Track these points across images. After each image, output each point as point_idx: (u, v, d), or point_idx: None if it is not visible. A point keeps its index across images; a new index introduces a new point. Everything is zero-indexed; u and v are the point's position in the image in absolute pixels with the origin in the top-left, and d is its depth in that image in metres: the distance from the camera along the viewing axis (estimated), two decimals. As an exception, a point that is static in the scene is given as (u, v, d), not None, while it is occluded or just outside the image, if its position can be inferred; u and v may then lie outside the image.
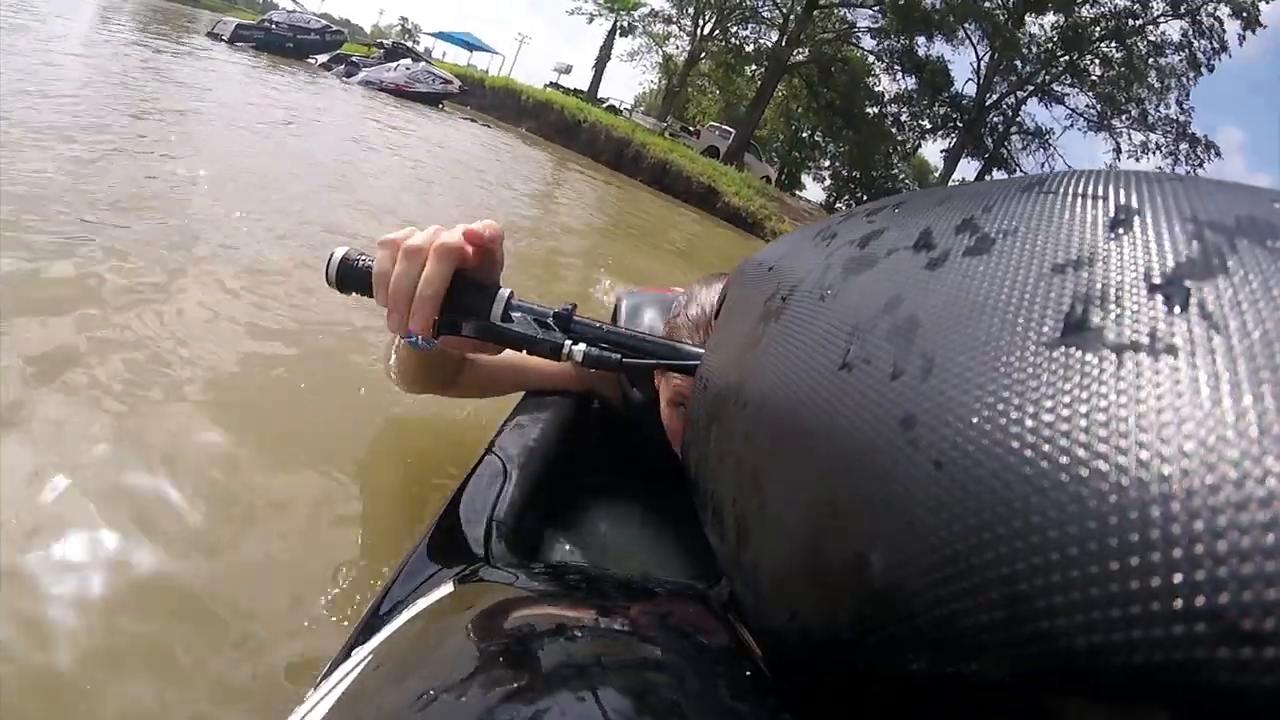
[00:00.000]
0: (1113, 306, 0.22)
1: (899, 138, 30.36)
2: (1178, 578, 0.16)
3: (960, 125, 26.44)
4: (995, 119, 26.68)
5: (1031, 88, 25.42)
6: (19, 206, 2.08)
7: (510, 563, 0.62)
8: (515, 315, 0.66)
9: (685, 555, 0.85)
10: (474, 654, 0.34)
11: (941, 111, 27.63)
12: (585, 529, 0.87)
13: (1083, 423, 0.20)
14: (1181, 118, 24.29)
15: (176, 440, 1.31)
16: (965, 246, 0.29)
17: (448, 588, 0.52)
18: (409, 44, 24.84)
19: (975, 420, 0.23)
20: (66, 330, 1.56)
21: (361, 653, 0.45)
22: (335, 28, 18.67)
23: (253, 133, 4.50)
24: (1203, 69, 23.15)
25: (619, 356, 0.66)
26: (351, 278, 0.66)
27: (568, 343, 0.65)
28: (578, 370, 0.85)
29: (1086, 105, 25.20)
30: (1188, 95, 23.88)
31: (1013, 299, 0.25)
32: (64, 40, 6.48)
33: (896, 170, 35.38)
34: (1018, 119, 26.74)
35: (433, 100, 16.43)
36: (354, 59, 16.79)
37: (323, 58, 16.91)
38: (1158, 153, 24.71)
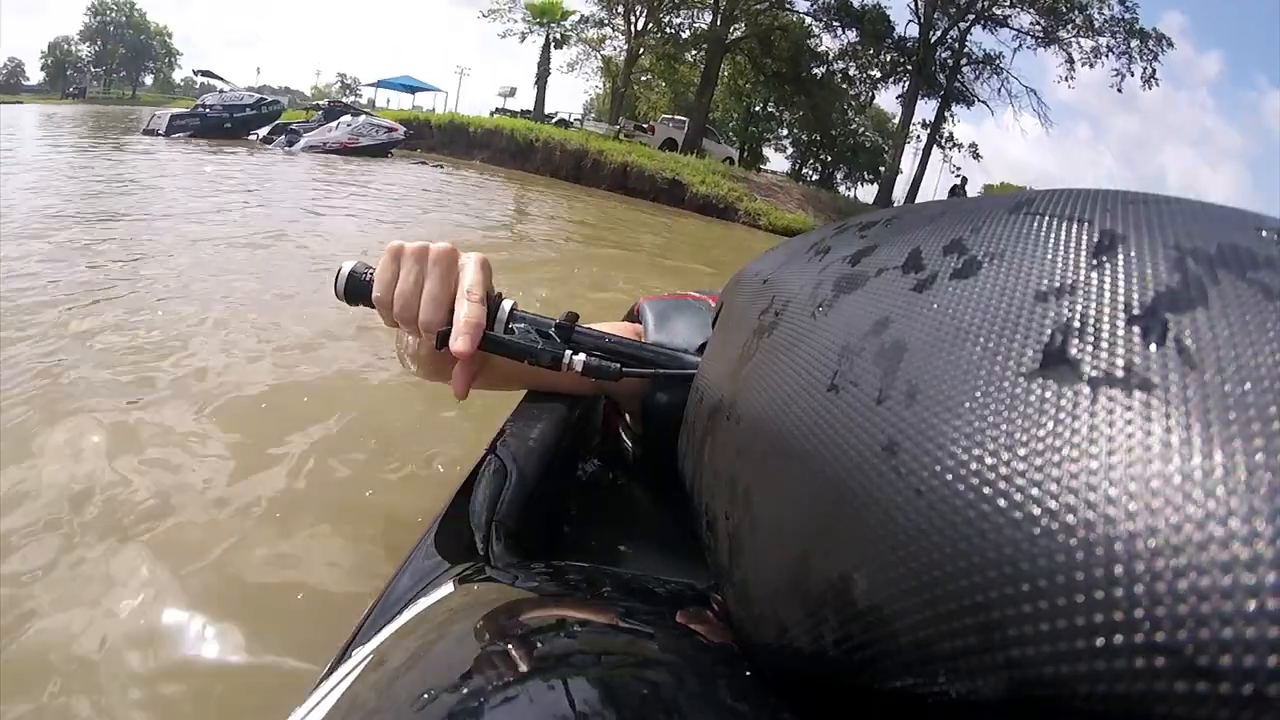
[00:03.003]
0: (1091, 338, 0.22)
1: (851, 92, 30.06)
2: (1139, 613, 0.17)
3: (910, 68, 26.17)
4: (943, 55, 26.39)
5: (973, 16, 25.12)
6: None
7: (510, 563, 0.61)
8: (517, 326, 0.68)
9: (685, 555, 0.79)
10: (474, 654, 0.35)
11: (889, 58, 27.33)
12: (586, 529, 0.87)
13: (1055, 457, 0.20)
14: (1127, 15, 23.95)
15: (182, 442, 1.34)
16: (952, 269, 0.30)
17: (448, 587, 0.51)
18: (346, 100, 24.65)
19: (954, 450, 0.23)
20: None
21: (361, 653, 0.45)
22: (270, 99, 18.48)
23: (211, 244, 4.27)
24: (1138, -40, 22.83)
25: (619, 365, 0.68)
26: (359, 291, 0.68)
27: (568, 353, 0.67)
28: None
29: (1031, 22, 24.82)
30: (1128, -10, 23.56)
31: (995, 326, 0.25)
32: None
33: (855, 125, 35.27)
34: (965, 50, 26.46)
35: (380, 151, 16.25)
36: (293, 126, 16.52)
37: (263, 131, 16.69)
38: (1110, 55, 24.34)
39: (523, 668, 0.31)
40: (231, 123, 16.25)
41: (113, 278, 2.77)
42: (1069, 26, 24.50)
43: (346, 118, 16.75)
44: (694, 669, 0.35)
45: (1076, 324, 0.23)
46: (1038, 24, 24.79)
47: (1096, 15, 24.05)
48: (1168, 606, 0.16)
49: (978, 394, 0.24)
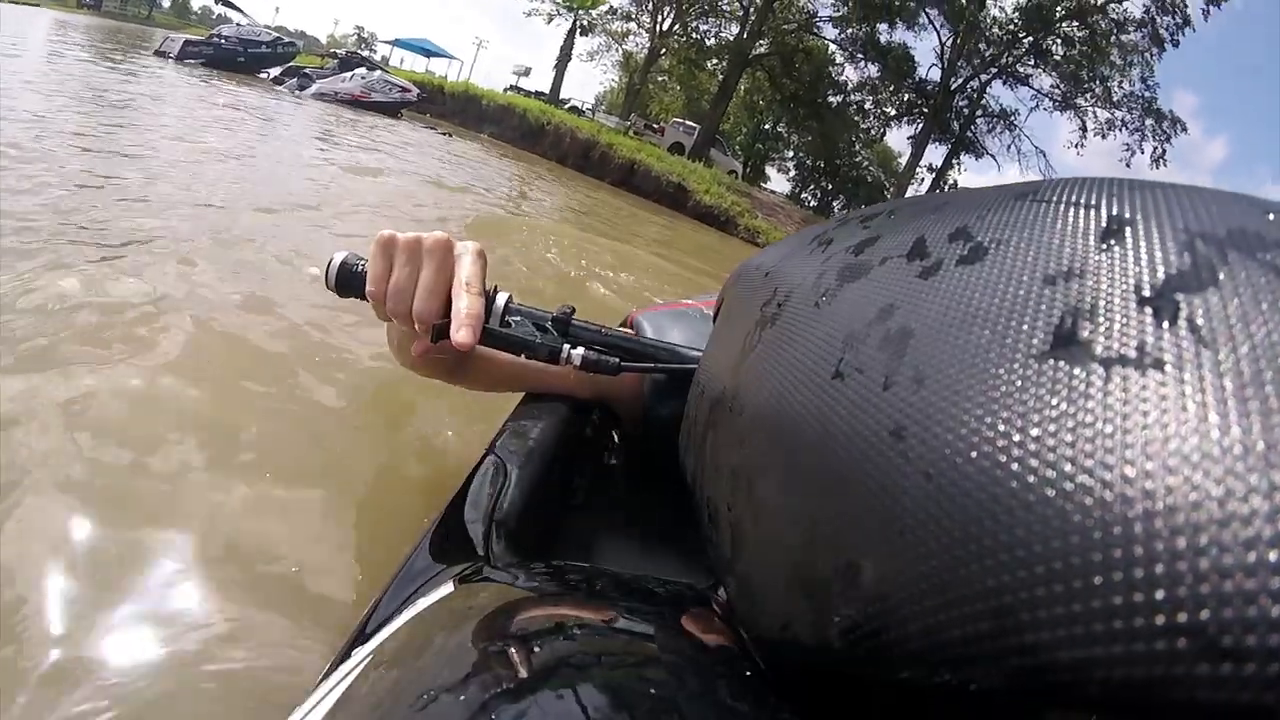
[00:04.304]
0: (1102, 319, 0.22)
1: (863, 125, 30.22)
2: (1160, 594, 0.16)
3: (926, 111, 26.33)
4: (961, 103, 26.59)
5: (995, 70, 25.31)
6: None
7: (510, 562, 0.61)
8: (514, 320, 0.67)
9: (686, 555, 0.82)
10: (474, 654, 0.34)
11: (906, 98, 27.52)
12: (586, 529, 0.85)
13: (1068, 438, 0.20)
14: (1146, 94, 24.23)
15: (171, 440, 1.29)
16: (958, 255, 0.30)
17: (448, 587, 0.51)
18: (364, 53, 24.44)
19: (964, 433, 0.23)
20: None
21: (361, 653, 0.45)
22: (287, 40, 18.27)
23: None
24: (1166, 44, 23.07)
25: (618, 360, 0.68)
26: (352, 283, 0.67)
27: (566, 346, 0.67)
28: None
29: (1051, 85, 25.07)
30: (1152, 71, 23.78)
31: (1003, 310, 0.25)
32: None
33: (860, 158, 35.40)
34: (982, 102, 26.68)
35: (391, 110, 16.05)
36: (307, 71, 16.36)
37: (275, 71, 16.46)
38: (1124, 129, 24.66)
39: (522, 668, 0.31)
40: (245, 57, 15.96)
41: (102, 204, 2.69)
42: (1088, 95, 24.80)
43: (362, 70, 16.57)
44: (694, 669, 0.35)
45: (1087, 306, 0.22)
46: (1057, 88, 25.07)
47: (1116, 89, 24.37)
48: (1189, 586, 0.16)
49: (987, 377, 0.23)
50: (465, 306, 0.62)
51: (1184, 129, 24.83)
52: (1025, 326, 0.24)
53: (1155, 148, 24.51)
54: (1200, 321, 0.20)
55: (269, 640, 0.95)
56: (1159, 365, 0.20)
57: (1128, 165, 25.13)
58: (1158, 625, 0.16)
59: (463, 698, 0.29)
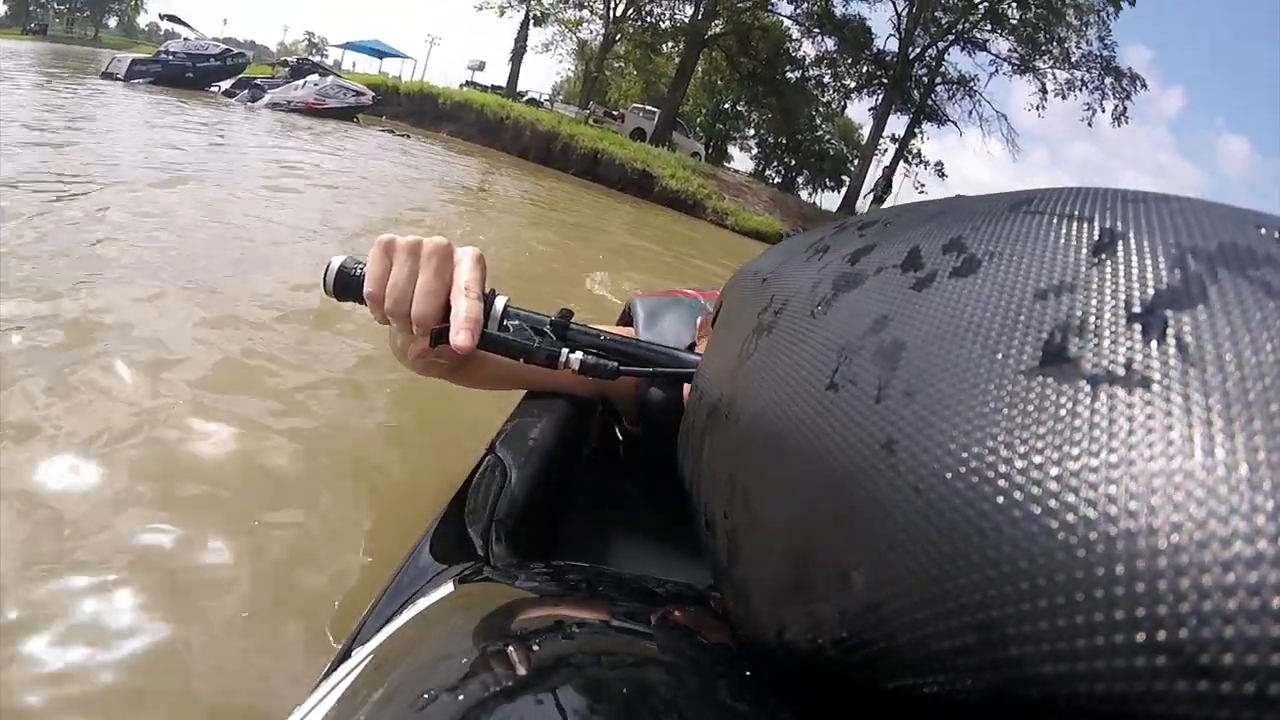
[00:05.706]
0: (1091, 336, 0.22)
1: (823, 99, 30.20)
2: (1140, 611, 0.17)
3: (885, 81, 26.32)
4: (920, 71, 26.61)
5: (953, 36, 25.35)
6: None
7: (510, 563, 0.61)
8: (512, 324, 0.67)
9: (685, 556, 0.81)
10: (474, 654, 0.34)
11: (865, 69, 27.48)
12: (586, 529, 0.85)
13: (1054, 455, 0.20)
14: (1105, 53, 24.38)
15: (175, 442, 1.31)
16: (952, 267, 0.30)
17: (448, 588, 0.51)
18: (315, 59, 24.13)
19: (953, 448, 0.23)
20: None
21: (361, 653, 0.45)
22: (236, 51, 17.92)
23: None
24: (1122, 3, 23.21)
25: (616, 364, 0.68)
26: (350, 286, 0.68)
27: (564, 351, 0.67)
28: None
29: (1009, 49, 25.15)
30: (1109, 30, 23.95)
31: (994, 324, 0.25)
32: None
33: (822, 132, 35.43)
34: (941, 69, 26.70)
35: (346, 115, 15.83)
36: (258, 81, 16.06)
37: (226, 84, 16.15)
38: (1084, 89, 24.80)
39: (522, 668, 0.31)
40: (194, 73, 15.65)
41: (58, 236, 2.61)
42: (1046, 57, 24.91)
43: (314, 77, 16.34)
44: (693, 669, 0.35)
45: (1076, 322, 0.23)
46: (1015, 52, 25.15)
47: (1074, 49, 24.48)
48: (1168, 605, 0.16)
49: (976, 392, 0.23)
50: (464, 310, 0.62)
51: (1143, 85, 25.10)
52: (1015, 342, 0.24)
53: (1116, 105, 24.77)
54: (1188, 340, 0.20)
55: (268, 641, 0.97)
56: (1145, 384, 0.20)
57: (1089, 125, 25.42)
58: (1137, 642, 0.17)
59: (462, 698, 0.29)
